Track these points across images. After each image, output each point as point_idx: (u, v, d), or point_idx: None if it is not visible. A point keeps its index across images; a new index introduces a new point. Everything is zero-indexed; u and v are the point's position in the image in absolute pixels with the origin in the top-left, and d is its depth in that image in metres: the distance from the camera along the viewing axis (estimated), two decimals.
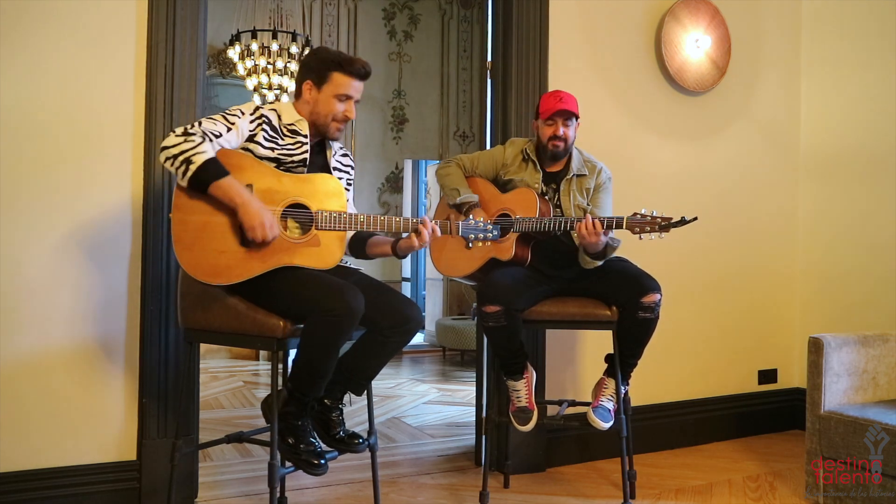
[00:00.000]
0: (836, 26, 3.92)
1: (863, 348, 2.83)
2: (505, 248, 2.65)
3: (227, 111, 2.24)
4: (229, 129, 2.19)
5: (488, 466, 2.84)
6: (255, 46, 6.32)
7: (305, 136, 2.32)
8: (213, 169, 2.09)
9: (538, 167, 2.77)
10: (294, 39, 6.44)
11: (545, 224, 2.58)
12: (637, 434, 3.14)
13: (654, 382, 3.51)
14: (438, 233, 2.29)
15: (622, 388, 2.70)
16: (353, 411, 4.17)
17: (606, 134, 3.44)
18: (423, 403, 4.82)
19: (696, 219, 2.41)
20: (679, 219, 2.41)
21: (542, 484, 3.06)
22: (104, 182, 2.57)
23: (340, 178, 2.40)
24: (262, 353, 6.29)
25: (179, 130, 2.11)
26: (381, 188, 7.73)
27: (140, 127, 2.61)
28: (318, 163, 2.38)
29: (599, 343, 3.09)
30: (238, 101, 6.70)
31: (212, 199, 2.12)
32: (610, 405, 2.66)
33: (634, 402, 3.20)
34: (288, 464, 2.24)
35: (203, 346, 2.89)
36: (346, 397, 2.38)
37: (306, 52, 6.47)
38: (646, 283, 2.59)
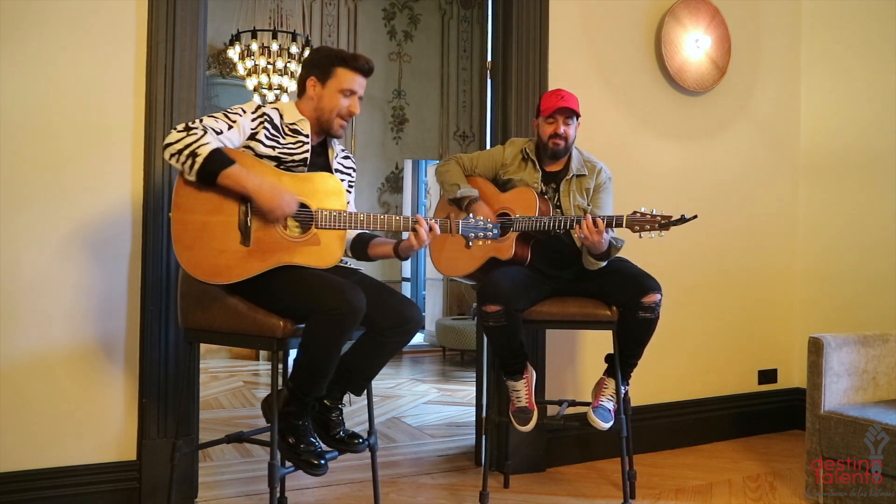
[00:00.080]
0: (836, 26, 3.92)
1: (863, 348, 2.83)
2: (504, 248, 2.65)
3: (229, 109, 2.24)
4: (230, 127, 2.19)
5: (488, 466, 2.84)
6: (255, 46, 6.32)
7: (307, 136, 2.32)
8: (220, 158, 2.09)
9: (538, 166, 2.77)
10: (294, 39, 6.44)
11: (545, 223, 2.58)
12: (637, 434, 3.14)
13: (654, 382, 3.51)
14: (438, 231, 2.29)
15: (622, 388, 2.70)
16: (353, 411, 4.17)
17: (606, 134, 3.44)
18: (423, 403, 4.82)
19: (695, 217, 2.41)
20: (679, 217, 2.42)
21: (542, 484, 3.06)
22: (104, 182, 2.57)
23: (342, 180, 2.40)
24: (262, 353, 6.29)
25: (181, 126, 2.11)
26: (381, 188, 7.73)
27: (140, 127, 2.61)
28: (320, 164, 2.37)
29: (599, 343, 3.09)
30: (238, 101, 6.70)
31: (213, 198, 2.12)
32: (610, 405, 2.65)
33: (634, 402, 3.20)
34: (288, 464, 2.24)
35: (203, 346, 2.89)
36: (346, 397, 2.38)
37: (306, 52, 6.48)
38: (646, 283, 2.59)
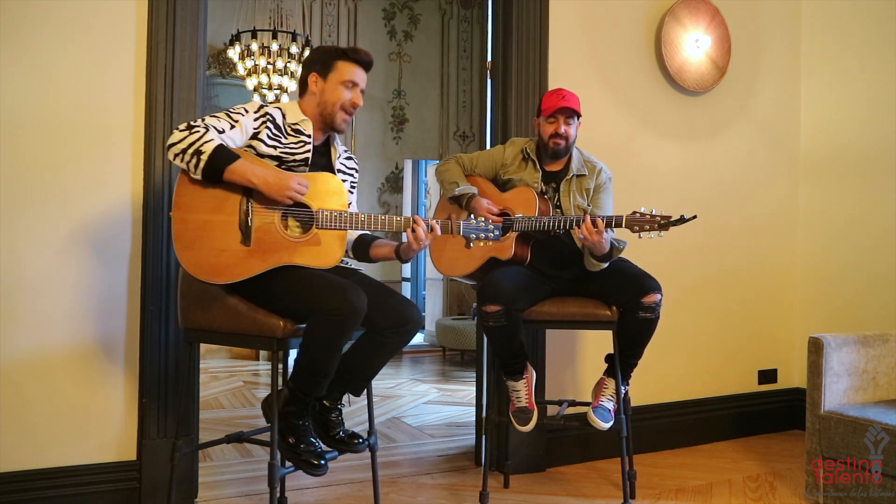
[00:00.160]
0: (836, 26, 3.92)
1: (863, 348, 2.83)
2: (504, 248, 2.65)
3: (231, 109, 2.24)
4: (233, 126, 2.19)
5: (488, 466, 2.84)
6: (255, 46, 6.32)
7: (309, 136, 2.32)
8: (225, 154, 2.09)
9: (538, 166, 2.77)
10: (294, 39, 6.44)
11: (545, 223, 2.58)
12: (637, 434, 3.14)
13: (654, 382, 3.51)
14: (439, 231, 2.29)
15: (622, 388, 2.70)
16: (353, 411, 4.17)
17: (606, 134, 3.44)
18: (423, 403, 4.82)
19: (695, 217, 2.41)
20: (678, 217, 2.41)
21: (542, 484, 3.06)
22: (104, 182, 2.57)
23: (344, 181, 2.40)
24: (262, 353, 6.29)
25: (183, 126, 2.11)
26: (381, 188, 7.73)
27: (140, 127, 2.61)
28: (322, 164, 2.37)
29: (599, 343, 3.09)
30: (238, 101, 6.70)
31: (213, 197, 2.13)
32: (610, 405, 2.65)
33: (634, 402, 3.20)
34: (288, 464, 2.24)
35: (203, 346, 2.89)
36: (345, 398, 2.38)
37: (306, 52, 6.48)
38: (646, 283, 2.59)
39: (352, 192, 2.49)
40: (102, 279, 2.57)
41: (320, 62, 2.33)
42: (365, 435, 2.35)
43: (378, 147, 7.67)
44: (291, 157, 2.27)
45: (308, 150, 2.31)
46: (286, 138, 2.28)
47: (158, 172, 2.61)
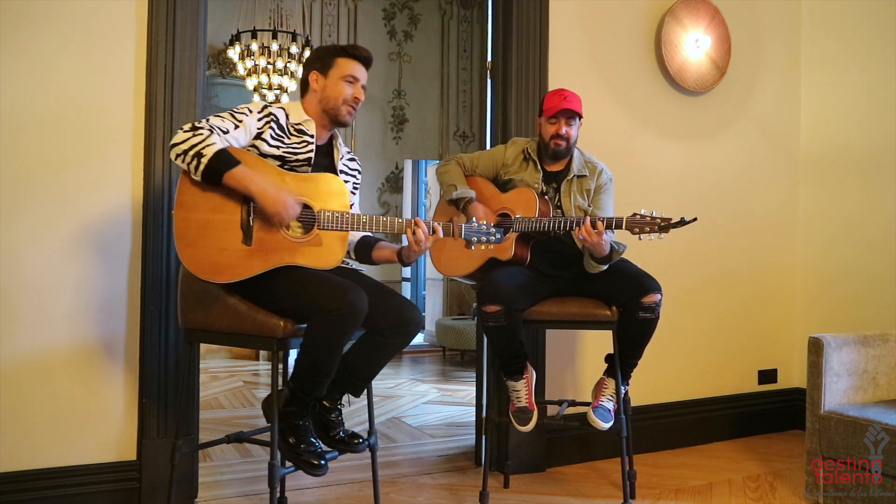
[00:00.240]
0: (836, 27, 3.92)
1: (863, 348, 2.83)
2: (504, 248, 2.65)
3: (236, 109, 2.25)
4: (237, 127, 2.19)
5: (488, 466, 2.84)
6: (255, 46, 6.32)
7: (312, 136, 2.32)
8: (226, 159, 2.09)
9: (538, 166, 2.77)
10: (294, 39, 6.44)
11: (545, 224, 2.58)
12: (637, 434, 3.14)
13: (654, 382, 3.51)
14: (441, 234, 2.29)
15: (622, 388, 2.70)
16: (353, 411, 4.17)
17: (606, 134, 3.44)
18: (423, 403, 4.82)
19: (695, 219, 2.41)
20: (678, 219, 2.41)
21: (542, 484, 3.06)
22: (104, 182, 2.57)
23: (346, 182, 2.41)
24: (262, 353, 6.29)
25: (187, 126, 2.12)
26: (381, 188, 7.73)
27: (140, 127, 2.61)
28: (324, 165, 2.37)
29: (599, 343, 3.09)
30: (238, 101, 6.71)
31: (216, 197, 2.13)
32: (610, 405, 2.65)
33: (634, 402, 3.20)
34: (288, 464, 2.24)
35: (203, 346, 2.89)
36: (346, 398, 2.38)
37: (306, 52, 6.48)
38: (646, 284, 2.59)
39: (354, 194, 2.49)
40: (102, 279, 2.57)
41: (320, 60, 2.34)
42: (365, 435, 2.35)
43: (378, 147, 7.67)
44: (294, 157, 2.27)
45: (311, 151, 2.31)
46: (289, 138, 2.28)
47: (158, 172, 2.61)
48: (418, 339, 7.47)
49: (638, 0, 3.55)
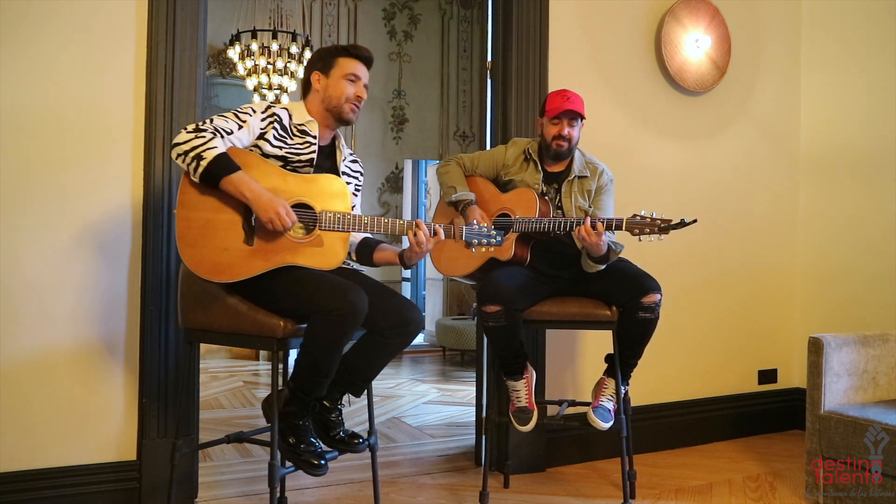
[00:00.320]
0: (836, 26, 3.92)
1: (863, 348, 2.83)
2: (504, 248, 2.65)
3: (239, 109, 2.25)
4: (240, 127, 2.20)
5: (488, 466, 2.84)
6: (255, 46, 6.32)
7: (314, 137, 2.32)
8: (225, 164, 2.10)
9: (539, 167, 2.77)
10: (294, 39, 6.44)
11: (545, 224, 2.58)
12: (637, 434, 3.14)
13: (654, 382, 3.51)
14: (442, 236, 2.29)
15: (622, 388, 2.70)
16: (353, 411, 4.17)
17: (606, 134, 3.44)
18: (423, 403, 4.82)
19: (695, 221, 2.41)
20: (678, 221, 2.41)
21: (542, 484, 3.06)
22: (105, 183, 2.57)
23: (348, 183, 2.41)
24: (262, 353, 6.29)
25: (191, 127, 2.12)
26: (381, 188, 7.74)
27: (140, 127, 2.61)
28: (327, 166, 2.38)
29: (599, 343, 3.09)
30: (238, 101, 6.71)
31: (217, 196, 2.13)
32: (610, 405, 2.66)
33: (634, 402, 3.20)
34: (288, 464, 2.24)
35: (203, 346, 2.89)
36: (346, 398, 2.38)
37: (306, 52, 6.48)
38: (646, 284, 2.59)
39: (356, 196, 2.49)
40: (103, 279, 2.57)
41: (322, 60, 2.35)
42: (365, 435, 2.35)
43: (378, 147, 7.67)
44: (297, 158, 2.28)
45: (313, 151, 2.31)
46: (292, 139, 2.29)
47: (158, 172, 2.61)
48: (418, 339, 7.47)
49: (638, 0, 3.55)
